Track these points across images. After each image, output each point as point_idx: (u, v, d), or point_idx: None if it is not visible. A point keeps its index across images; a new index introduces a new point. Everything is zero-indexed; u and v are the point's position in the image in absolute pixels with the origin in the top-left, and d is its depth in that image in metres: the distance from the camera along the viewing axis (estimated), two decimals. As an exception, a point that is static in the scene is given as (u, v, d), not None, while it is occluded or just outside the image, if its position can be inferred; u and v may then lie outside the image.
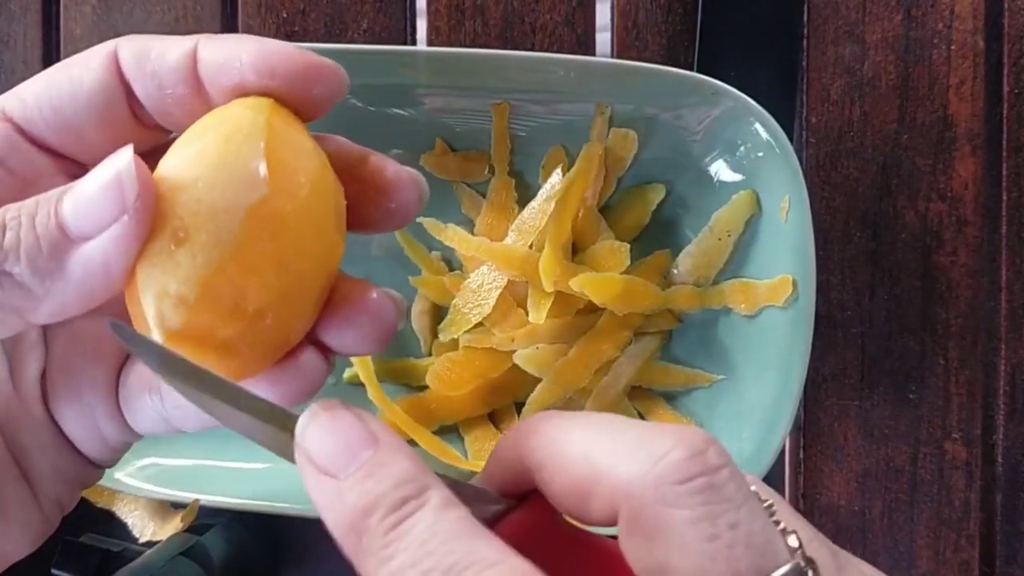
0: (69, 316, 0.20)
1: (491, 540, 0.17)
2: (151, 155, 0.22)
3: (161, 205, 0.19)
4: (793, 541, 0.17)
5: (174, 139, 0.21)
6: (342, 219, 0.21)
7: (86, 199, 0.19)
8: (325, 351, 0.21)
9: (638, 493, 0.17)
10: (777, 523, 0.18)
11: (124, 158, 0.19)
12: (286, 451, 0.19)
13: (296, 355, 0.21)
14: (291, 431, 0.18)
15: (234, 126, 0.19)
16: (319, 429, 0.18)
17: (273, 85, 0.20)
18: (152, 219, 0.19)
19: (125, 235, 0.18)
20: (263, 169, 0.19)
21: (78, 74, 0.21)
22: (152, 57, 0.20)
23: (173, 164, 0.19)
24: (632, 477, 0.17)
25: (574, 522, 0.20)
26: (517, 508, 0.20)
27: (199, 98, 0.21)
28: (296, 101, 0.21)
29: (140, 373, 0.23)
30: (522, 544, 0.17)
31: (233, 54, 0.20)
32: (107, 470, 0.24)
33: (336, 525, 0.17)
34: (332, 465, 0.18)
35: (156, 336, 0.19)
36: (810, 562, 0.17)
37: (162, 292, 0.18)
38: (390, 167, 0.22)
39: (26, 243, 0.18)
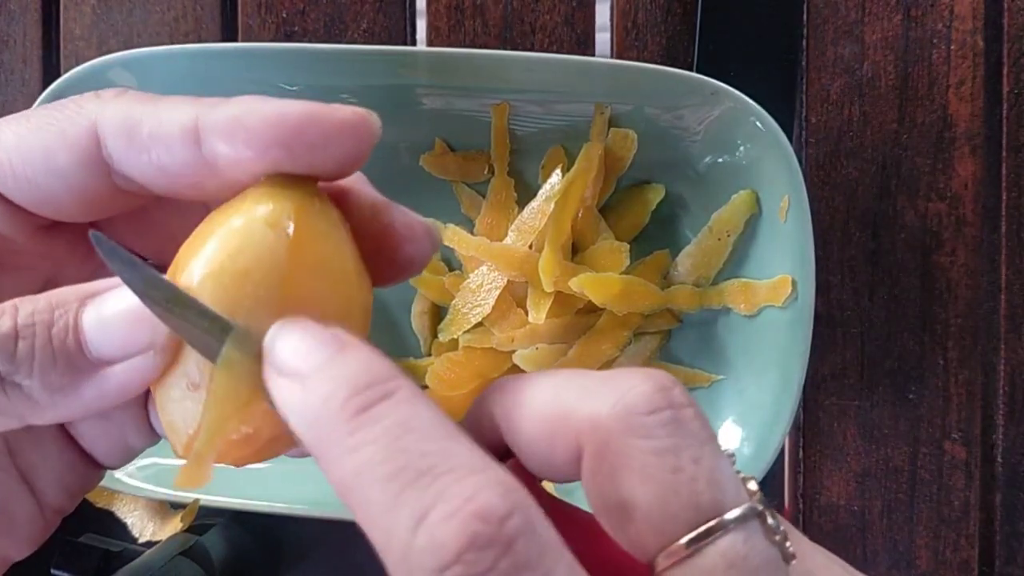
0: (72, 420, 0.19)
1: (471, 444, 0.16)
2: (135, 217, 0.22)
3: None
4: (752, 486, 0.17)
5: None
6: (367, 315, 0.20)
7: (112, 321, 0.18)
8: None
9: (604, 425, 0.17)
10: (737, 471, 0.17)
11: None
12: (243, 369, 0.17)
13: None
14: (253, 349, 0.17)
15: (245, 247, 0.17)
16: (287, 338, 0.17)
17: (287, 158, 0.18)
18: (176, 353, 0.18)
19: (150, 369, 0.18)
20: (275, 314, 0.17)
21: (53, 145, 0.19)
22: (146, 131, 0.18)
23: (190, 281, 0.18)
24: (599, 410, 0.17)
25: (551, 492, 0.20)
26: None
27: (204, 169, 0.19)
28: (320, 166, 0.18)
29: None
30: None
31: (236, 125, 0.18)
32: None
33: (298, 422, 0.16)
34: (298, 367, 0.16)
35: (174, 447, 0.18)
36: (767, 506, 0.17)
37: (179, 426, 0.18)
38: (399, 220, 0.20)
39: (41, 357, 0.17)
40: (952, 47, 0.41)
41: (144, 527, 0.40)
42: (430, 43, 0.42)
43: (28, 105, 0.36)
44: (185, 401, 0.18)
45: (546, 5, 0.41)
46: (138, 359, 0.18)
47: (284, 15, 0.42)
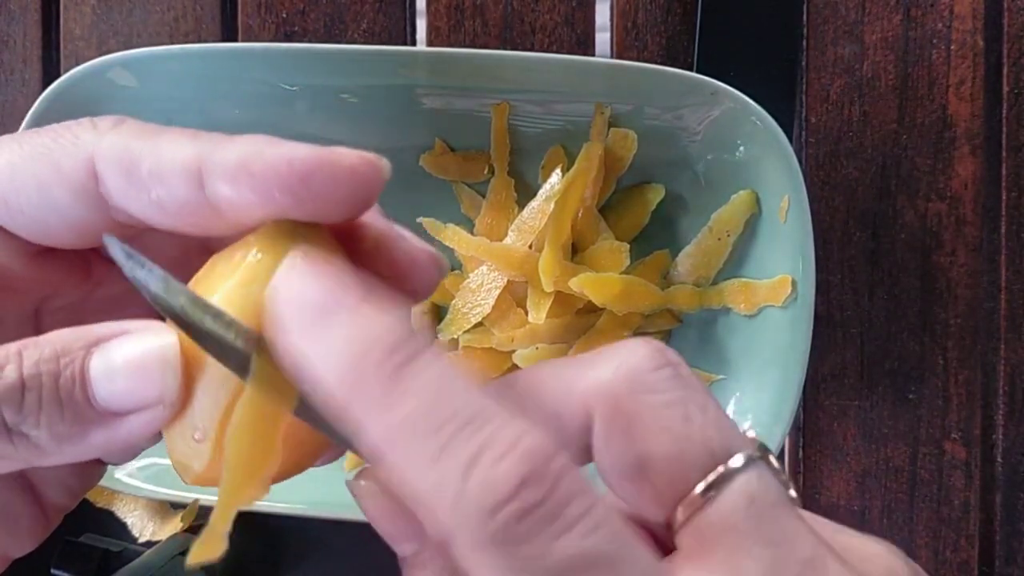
0: (76, 462, 0.19)
1: (502, 403, 0.16)
2: (129, 239, 0.21)
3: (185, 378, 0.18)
4: (750, 434, 0.18)
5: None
6: None
7: (120, 371, 0.17)
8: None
9: (613, 389, 0.17)
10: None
11: (170, 346, 0.17)
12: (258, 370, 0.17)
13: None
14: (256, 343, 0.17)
15: (234, 303, 0.17)
16: (303, 276, 0.16)
17: (293, 205, 0.17)
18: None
19: (158, 421, 0.18)
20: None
21: (48, 178, 0.18)
22: (145, 168, 0.18)
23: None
24: (606, 376, 0.17)
25: None
26: None
27: (206, 210, 0.18)
28: (327, 212, 0.18)
29: None
30: None
31: (241, 169, 0.17)
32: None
33: (327, 380, 0.15)
34: (320, 313, 0.16)
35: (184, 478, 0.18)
36: (767, 450, 0.18)
37: (188, 464, 0.18)
38: (401, 252, 0.20)
39: (48, 409, 0.17)
40: (952, 47, 0.41)
41: (144, 527, 0.40)
42: (430, 43, 0.42)
43: (28, 105, 0.36)
44: (190, 445, 0.18)
45: (546, 5, 0.41)
46: (147, 412, 0.17)
47: (284, 15, 0.42)
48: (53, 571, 0.37)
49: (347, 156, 0.17)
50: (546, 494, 0.15)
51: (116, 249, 0.17)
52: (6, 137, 0.19)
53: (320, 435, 0.18)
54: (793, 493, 0.18)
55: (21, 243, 0.20)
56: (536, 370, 0.19)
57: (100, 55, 0.35)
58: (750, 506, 0.16)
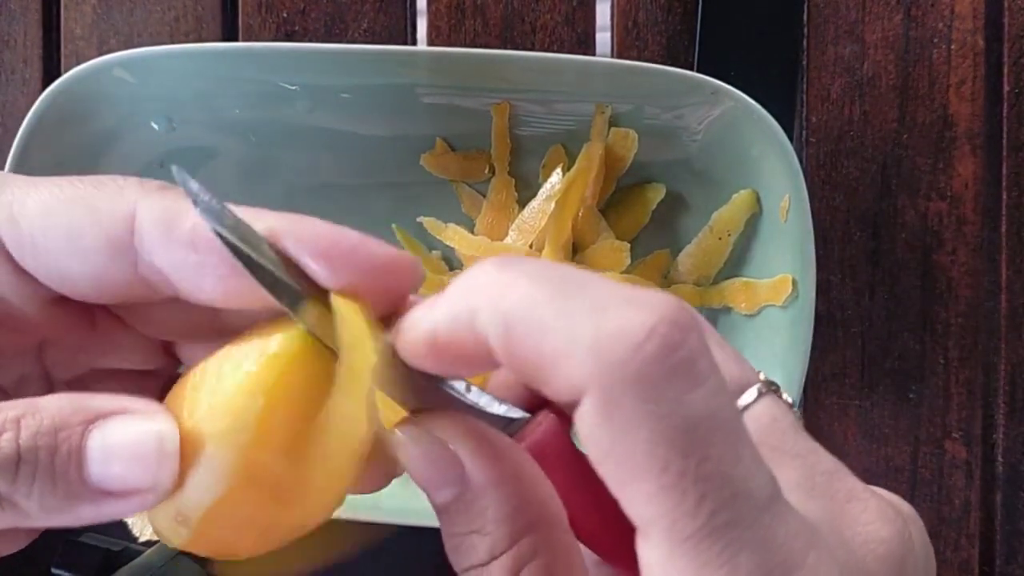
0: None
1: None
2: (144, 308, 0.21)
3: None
4: (762, 374, 0.19)
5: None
6: (361, 461, 0.19)
7: (117, 455, 0.17)
8: None
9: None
10: None
11: (170, 431, 0.17)
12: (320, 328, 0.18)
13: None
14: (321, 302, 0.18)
15: (251, 383, 0.18)
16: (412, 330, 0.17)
17: (338, 285, 0.18)
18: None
19: (148, 504, 0.18)
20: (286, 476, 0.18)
21: (81, 223, 0.18)
22: (188, 224, 0.18)
23: (189, 408, 0.18)
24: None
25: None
26: (527, 425, 0.19)
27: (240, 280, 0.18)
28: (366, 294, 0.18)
29: None
30: (536, 459, 0.17)
31: (298, 243, 0.18)
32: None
33: (452, 307, 0.17)
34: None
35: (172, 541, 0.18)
36: (774, 384, 0.18)
37: (165, 535, 0.18)
38: (374, 250, 0.19)
39: (41, 483, 0.17)
40: (952, 47, 0.41)
41: (144, 527, 0.40)
42: (430, 43, 0.42)
43: (28, 105, 0.36)
44: (174, 524, 0.18)
45: (546, 5, 0.41)
46: (141, 495, 0.17)
47: (284, 15, 0.42)
48: (53, 571, 0.37)
49: (404, 256, 0.18)
50: (682, 338, 0.14)
51: (183, 176, 0.17)
52: (46, 180, 0.19)
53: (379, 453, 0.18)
54: (801, 422, 0.19)
55: (38, 287, 0.20)
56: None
57: (100, 55, 0.35)
58: (773, 424, 0.17)
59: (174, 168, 0.18)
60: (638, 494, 0.15)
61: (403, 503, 0.38)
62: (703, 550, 0.14)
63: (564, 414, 0.19)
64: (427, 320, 0.17)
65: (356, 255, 0.18)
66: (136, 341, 0.22)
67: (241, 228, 0.17)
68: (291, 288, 0.18)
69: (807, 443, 0.18)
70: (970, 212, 0.41)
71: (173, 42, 0.42)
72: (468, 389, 0.18)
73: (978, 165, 0.41)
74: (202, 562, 0.38)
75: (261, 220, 0.18)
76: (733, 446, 0.15)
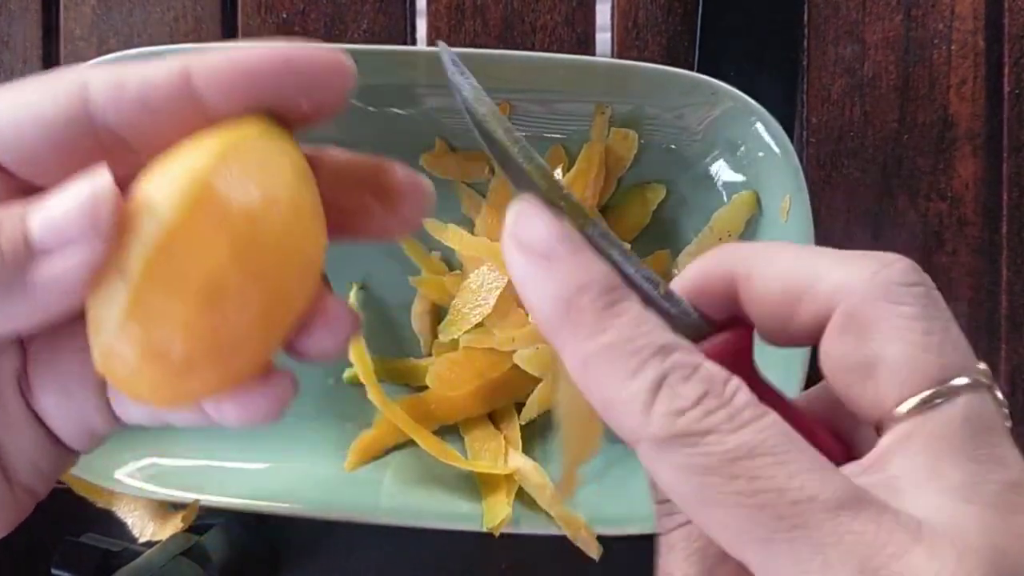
0: (18, 333, 0.19)
1: (691, 345, 0.19)
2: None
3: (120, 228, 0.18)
4: (983, 366, 0.19)
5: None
6: (314, 265, 0.20)
7: (58, 216, 0.18)
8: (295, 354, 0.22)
9: (863, 290, 0.19)
10: None
11: (103, 180, 0.18)
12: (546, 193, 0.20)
13: (268, 377, 0.21)
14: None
15: (204, 150, 0.19)
16: (531, 219, 0.19)
17: (270, 94, 0.20)
18: (115, 242, 0.18)
19: (92, 255, 0.18)
20: (226, 235, 0.18)
21: (38, 100, 0.20)
22: (134, 85, 0.20)
23: (139, 190, 0.19)
24: (857, 277, 0.19)
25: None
26: (712, 337, 0.21)
27: (196, 120, 0.20)
28: (304, 104, 0.21)
29: None
30: None
31: (236, 58, 0.20)
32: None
33: (544, 300, 0.19)
34: (544, 248, 0.19)
35: (94, 352, 0.19)
36: (992, 378, 0.19)
37: (99, 318, 0.18)
38: (399, 173, 0.23)
39: None
40: (953, 47, 0.41)
41: (144, 527, 0.40)
42: (430, 43, 0.42)
43: (28, 105, 0.36)
44: (111, 299, 0.18)
45: (546, 5, 0.41)
46: (82, 247, 0.18)
47: (284, 15, 0.42)
48: (53, 571, 0.37)
49: (319, 51, 0.20)
50: (723, 403, 0.17)
51: (445, 55, 0.20)
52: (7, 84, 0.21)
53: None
54: (1009, 423, 0.18)
55: (8, 178, 0.21)
56: (780, 250, 0.21)
57: (100, 55, 0.35)
58: (965, 423, 0.17)
59: (439, 45, 0.20)
60: None
61: (403, 503, 0.38)
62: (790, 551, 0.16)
63: (748, 337, 0.21)
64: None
65: (293, 67, 0.20)
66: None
67: (487, 105, 0.21)
68: (525, 173, 0.21)
69: (998, 449, 0.17)
70: (971, 213, 0.41)
71: (172, 43, 0.42)
72: (661, 291, 0.20)
73: (979, 166, 0.41)
74: (202, 562, 0.38)
75: (210, 53, 0.20)
76: (783, 464, 0.17)
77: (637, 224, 0.39)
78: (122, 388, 0.19)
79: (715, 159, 0.38)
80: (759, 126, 0.35)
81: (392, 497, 0.38)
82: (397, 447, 0.39)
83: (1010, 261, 0.41)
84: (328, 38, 0.42)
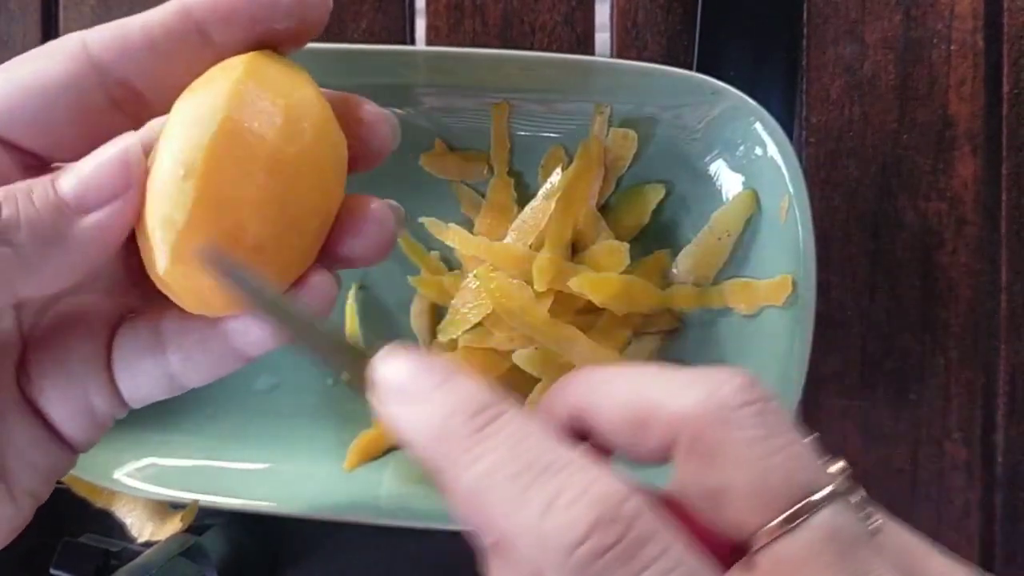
0: (58, 288, 0.20)
1: (577, 451, 0.17)
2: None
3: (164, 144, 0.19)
4: (839, 466, 0.19)
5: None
6: (343, 164, 0.22)
7: (89, 175, 0.19)
8: (333, 264, 0.22)
9: (700, 418, 0.18)
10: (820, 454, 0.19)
11: (131, 138, 0.19)
12: (358, 384, 0.19)
13: (304, 281, 0.22)
14: (361, 364, 0.19)
15: (225, 78, 0.20)
16: (396, 362, 0.19)
17: (264, 14, 0.21)
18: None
19: (128, 208, 0.19)
20: (277, 116, 0.20)
21: (43, 68, 0.20)
22: (137, 31, 0.20)
23: (175, 113, 0.20)
24: (693, 404, 0.18)
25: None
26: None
27: (204, 55, 0.21)
28: (294, 23, 0.21)
29: (138, 337, 0.23)
30: None
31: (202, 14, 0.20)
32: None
33: (420, 442, 0.18)
34: (411, 389, 0.18)
35: (161, 260, 0.19)
36: (855, 484, 0.18)
37: (168, 218, 0.19)
38: (367, 107, 0.23)
39: (26, 214, 0.19)
40: (952, 47, 0.41)
41: (143, 527, 0.40)
42: (429, 43, 0.42)
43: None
44: (175, 201, 0.19)
45: (546, 5, 0.41)
46: (118, 201, 0.19)
47: (284, 15, 0.42)
48: (53, 571, 0.37)
49: None
50: (620, 535, 0.16)
51: (210, 257, 0.19)
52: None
53: None
54: (875, 524, 0.18)
55: (18, 155, 0.21)
56: (619, 376, 0.20)
57: (99, 55, 0.35)
58: (828, 541, 0.17)
59: (202, 248, 0.19)
60: None
61: (403, 503, 0.38)
62: None
63: (602, 454, 0.20)
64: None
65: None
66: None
67: (270, 295, 0.20)
68: (323, 350, 0.20)
69: (864, 564, 0.17)
70: (970, 212, 0.41)
71: (172, 42, 0.42)
72: None
73: (978, 165, 0.41)
74: (201, 562, 0.38)
75: None
76: None
77: (636, 224, 0.39)
78: (189, 289, 0.20)
79: (714, 159, 0.38)
80: (758, 126, 0.35)
81: (392, 497, 0.38)
82: (397, 447, 0.39)
83: (1009, 261, 0.41)
84: (327, 38, 0.42)
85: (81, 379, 0.22)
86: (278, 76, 0.21)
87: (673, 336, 0.40)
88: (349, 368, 0.20)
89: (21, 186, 0.19)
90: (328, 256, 0.22)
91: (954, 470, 0.41)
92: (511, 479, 0.17)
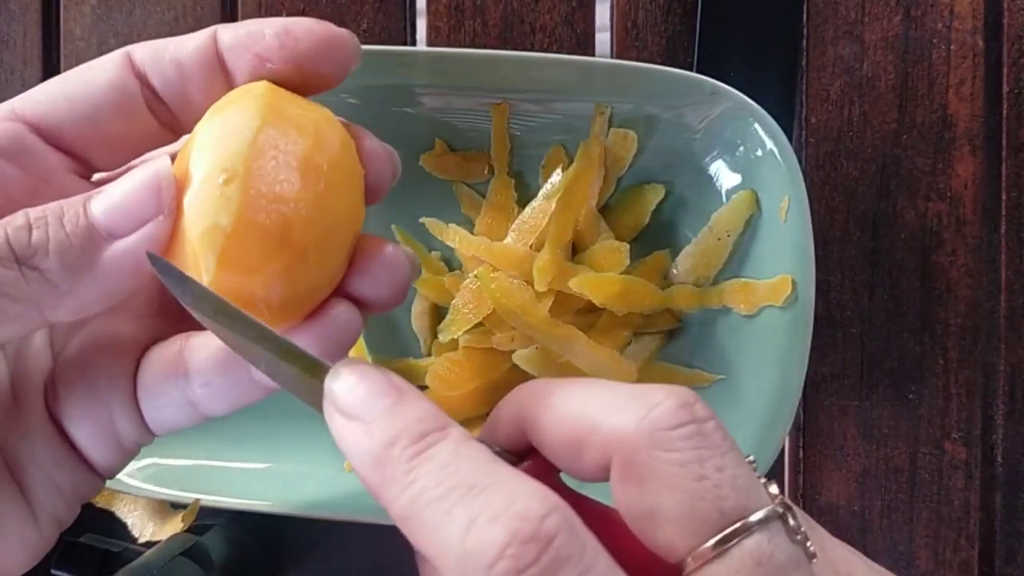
0: (87, 314, 0.20)
1: (512, 468, 0.18)
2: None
3: (199, 155, 0.20)
4: (773, 489, 0.18)
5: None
6: (363, 185, 0.22)
7: (121, 199, 0.19)
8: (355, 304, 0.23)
9: (632, 439, 0.18)
10: (759, 477, 0.19)
11: (162, 162, 0.19)
12: (309, 395, 0.19)
13: (329, 308, 0.22)
14: (318, 378, 0.19)
15: (252, 98, 0.21)
16: (347, 380, 0.19)
17: (296, 55, 0.21)
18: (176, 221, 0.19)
19: (159, 233, 0.19)
20: (308, 126, 0.21)
21: (91, 74, 0.21)
22: (170, 49, 0.21)
23: (203, 130, 0.20)
24: (626, 425, 0.18)
25: (571, 485, 0.21)
26: (517, 466, 0.20)
27: (222, 82, 0.22)
28: (315, 72, 0.22)
29: (163, 362, 0.23)
30: None
31: (255, 29, 0.21)
32: (104, 479, 0.24)
33: (362, 464, 0.18)
34: (359, 410, 0.18)
35: (207, 267, 0.19)
36: (788, 507, 0.18)
37: (213, 226, 0.19)
38: (367, 141, 0.23)
39: (56, 239, 0.19)
40: (952, 47, 0.41)
41: (144, 527, 0.40)
42: (430, 43, 0.42)
43: (28, 105, 0.36)
44: (218, 201, 0.19)
45: (546, 5, 0.41)
46: (149, 226, 0.19)
47: (284, 15, 0.42)
48: (53, 571, 0.37)
49: (328, 27, 0.22)
50: (538, 552, 0.16)
51: (156, 263, 0.19)
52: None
53: None
54: (811, 547, 0.18)
55: (63, 156, 0.22)
56: (565, 391, 0.20)
57: (100, 55, 0.35)
58: (756, 567, 0.17)
59: (148, 253, 0.19)
60: None
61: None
62: None
63: (550, 466, 0.20)
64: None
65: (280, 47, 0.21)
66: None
67: (210, 297, 0.19)
68: (255, 349, 0.20)
69: None
70: (970, 213, 0.41)
71: (173, 42, 0.42)
72: None
73: (977, 166, 0.41)
74: (202, 562, 0.38)
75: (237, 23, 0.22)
76: None
77: (636, 224, 0.39)
78: (237, 296, 0.20)
79: (714, 159, 0.38)
80: (758, 126, 0.35)
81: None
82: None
83: (1009, 261, 0.41)
84: (328, 38, 0.42)
85: (107, 402, 0.22)
86: (295, 98, 0.22)
87: (673, 336, 0.40)
88: (302, 379, 0.19)
89: (54, 207, 0.19)
90: (340, 294, 0.22)
91: (953, 470, 0.41)
92: (437, 501, 0.17)
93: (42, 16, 0.43)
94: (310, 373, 0.19)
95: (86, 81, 0.21)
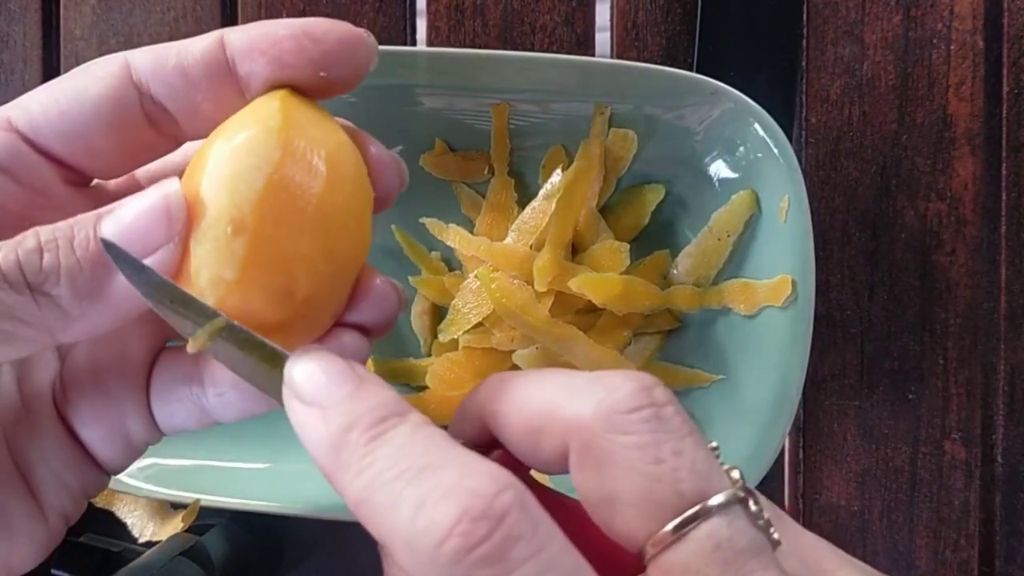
0: (97, 335, 0.20)
1: (468, 451, 0.17)
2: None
3: (208, 197, 0.19)
4: (735, 475, 0.18)
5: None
6: (371, 209, 0.22)
7: (131, 224, 0.19)
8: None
9: (589, 423, 0.18)
10: (721, 463, 0.18)
11: (172, 185, 0.19)
12: (270, 386, 0.19)
13: (333, 336, 0.22)
14: (278, 367, 0.19)
15: (266, 130, 0.20)
16: (307, 367, 0.18)
17: (314, 58, 0.21)
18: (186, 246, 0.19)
19: (170, 260, 0.19)
20: (321, 166, 0.20)
21: (84, 82, 0.21)
22: (173, 55, 0.21)
23: (215, 162, 0.19)
24: (584, 409, 0.18)
25: (540, 479, 0.21)
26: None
27: (231, 88, 0.21)
28: (335, 75, 0.21)
29: (178, 366, 0.23)
30: None
31: (268, 31, 0.20)
32: (109, 475, 0.24)
33: (318, 449, 0.18)
34: (318, 397, 0.18)
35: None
36: (750, 492, 0.18)
37: (217, 277, 0.19)
38: (373, 149, 0.23)
39: (67, 265, 0.18)
40: (952, 47, 0.41)
41: (144, 527, 0.40)
42: (430, 43, 0.42)
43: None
44: (223, 251, 0.19)
45: (546, 5, 0.41)
46: (160, 252, 0.19)
47: (284, 16, 0.42)
48: (53, 571, 0.37)
49: (343, 26, 0.21)
50: (489, 530, 0.15)
51: (112, 250, 0.19)
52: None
53: None
54: (775, 535, 0.18)
55: (59, 169, 0.21)
56: (526, 381, 0.20)
57: (100, 55, 0.35)
58: (715, 551, 0.16)
59: (103, 240, 0.19)
60: None
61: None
62: None
63: (517, 461, 0.20)
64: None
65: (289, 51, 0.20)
66: None
67: (165, 286, 0.19)
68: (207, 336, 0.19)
69: (752, 573, 0.17)
70: (969, 213, 0.41)
71: (173, 42, 0.42)
72: None
73: (977, 165, 0.41)
74: (202, 562, 0.38)
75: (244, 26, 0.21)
76: None
77: (636, 224, 0.39)
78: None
79: (714, 159, 0.38)
80: (758, 126, 0.35)
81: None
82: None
83: (1009, 261, 0.41)
84: (328, 38, 0.42)
85: (119, 402, 0.22)
86: (312, 121, 0.21)
87: (673, 336, 0.40)
88: (262, 369, 0.19)
89: (64, 228, 0.19)
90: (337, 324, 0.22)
91: (953, 470, 0.41)
92: (389, 483, 0.16)
93: (42, 16, 0.43)
94: (270, 363, 0.19)
95: (79, 92, 0.20)
